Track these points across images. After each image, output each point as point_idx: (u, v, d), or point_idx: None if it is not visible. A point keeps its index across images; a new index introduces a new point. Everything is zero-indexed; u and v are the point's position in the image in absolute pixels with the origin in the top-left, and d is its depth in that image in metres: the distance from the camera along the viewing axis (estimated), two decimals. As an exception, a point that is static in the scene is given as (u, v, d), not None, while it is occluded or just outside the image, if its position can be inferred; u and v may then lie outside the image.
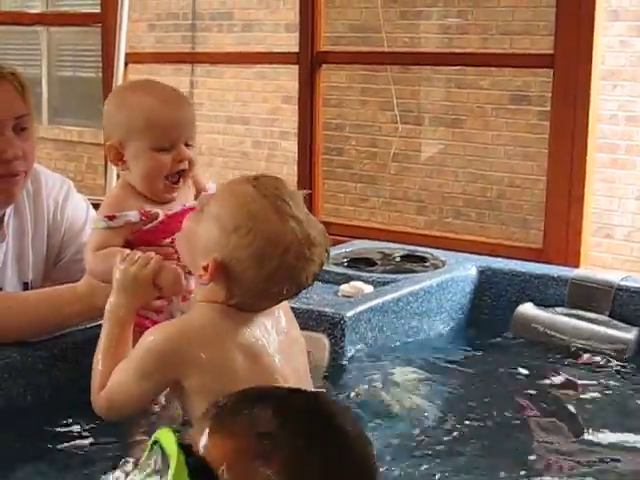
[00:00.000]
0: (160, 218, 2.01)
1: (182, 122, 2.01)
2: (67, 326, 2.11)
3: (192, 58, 7.14)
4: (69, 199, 2.38)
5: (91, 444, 1.91)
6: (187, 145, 2.01)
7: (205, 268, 1.73)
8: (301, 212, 1.75)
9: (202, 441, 1.17)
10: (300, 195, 1.79)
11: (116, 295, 1.86)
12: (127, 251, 1.93)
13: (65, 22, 7.14)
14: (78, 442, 1.91)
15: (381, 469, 1.86)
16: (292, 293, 1.79)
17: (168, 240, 1.99)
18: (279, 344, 1.82)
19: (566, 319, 2.67)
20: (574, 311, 2.69)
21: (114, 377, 1.78)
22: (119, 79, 4.68)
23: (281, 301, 1.83)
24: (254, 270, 1.71)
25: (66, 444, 1.90)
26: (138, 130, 1.97)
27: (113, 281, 1.87)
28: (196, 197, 2.10)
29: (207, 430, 1.17)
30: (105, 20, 4.97)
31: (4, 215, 2.26)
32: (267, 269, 1.71)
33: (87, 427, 1.96)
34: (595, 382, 2.38)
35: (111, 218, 1.99)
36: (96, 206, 2.46)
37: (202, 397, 1.70)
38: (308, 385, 1.89)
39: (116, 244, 1.98)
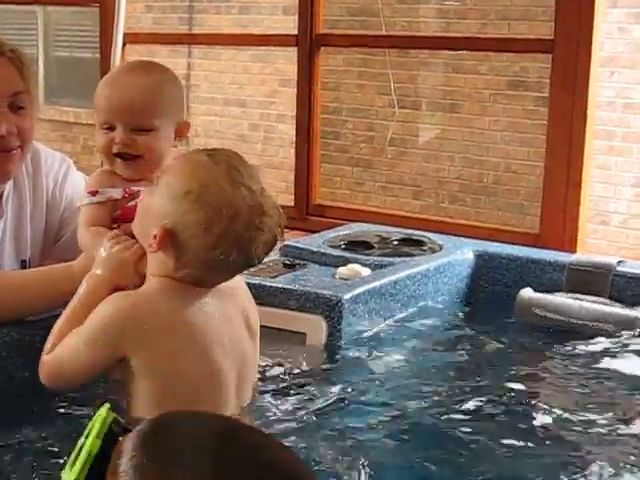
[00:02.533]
0: (141, 197, 2.01)
1: (120, 106, 1.99)
2: (63, 304, 2.10)
3: (190, 39, 7.12)
4: (68, 177, 2.38)
5: (86, 417, 1.91)
6: (140, 130, 2.00)
7: (155, 236, 1.72)
8: (255, 183, 1.73)
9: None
10: (256, 168, 1.78)
11: (96, 269, 1.88)
12: (116, 232, 1.96)
13: (63, 2, 7.11)
14: (75, 420, 1.91)
15: (376, 452, 1.88)
16: (240, 264, 1.75)
17: None
18: (228, 325, 1.82)
19: (571, 301, 2.66)
20: (573, 295, 2.70)
21: (65, 341, 1.78)
22: (117, 60, 4.67)
23: (231, 275, 1.80)
24: (201, 236, 1.69)
25: (63, 421, 1.90)
26: (95, 105, 2.04)
27: (97, 256, 1.90)
28: None
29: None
30: (103, 0, 4.95)
31: (3, 192, 2.26)
32: (214, 235, 1.68)
33: (84, 404, 1.96)
34: (602, 361, 2.38)
35: (93, 194, 2.04)
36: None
37: (147, 380, 1.71)
38: (253, 370, 1.92)
39: (103, 219, 2.02)
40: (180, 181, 1.72)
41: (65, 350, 1.77)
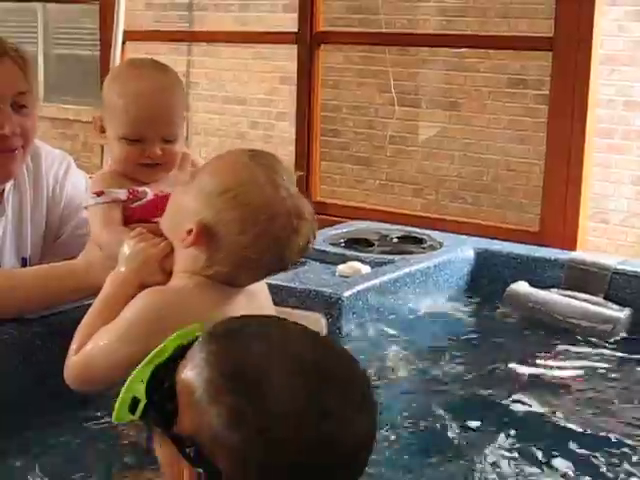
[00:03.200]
0: (149, 197, 2.02)
1: (155, 118, 1.97)
2: (64, 302, 2.10)
3: (189, 37, 7.11)
4: (69, 175, 2.38)
5: (86, 417, 1.91)
6: (169, 141, 1.99)
7: (189, 232, 1.71)
8: (293, 186, 1.73)
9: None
10: (293, 173, 1.77)
11: (120, 266, 1.85)
12: (140, 229, 1.93)
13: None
14: (73, 414, 1.92)
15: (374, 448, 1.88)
16: (273, 267, 1.75)
17: (156, 220, 2.00)
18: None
19: (559, 297, 2.68)
20: (568, 292, 2.71)
21: (95, 339, 1.73)
22: (116, 57, 4.67)
23: (261, 277, 1.79)
24: (237, 233, 1.67)
25: (62, 416, 1.91)
26: (115, 115, 1.98)
27: (119, 254, 1.87)
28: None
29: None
30: (103, -2, 4.96)
31: (4, 190, 2.26)
32: (251, 234, 1.67)
33: (84, 401, 1.96)
34: (585, 360, 2.40)
35: (98, 194, 2.01)
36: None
37: None
38: None
39: (116, 218, 2.00)
40: (219, 179, 1.71)
41: (97, 348, 1.72)
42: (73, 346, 1.76)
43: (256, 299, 1.83)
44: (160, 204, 1.98)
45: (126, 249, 1.87)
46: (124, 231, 1.95)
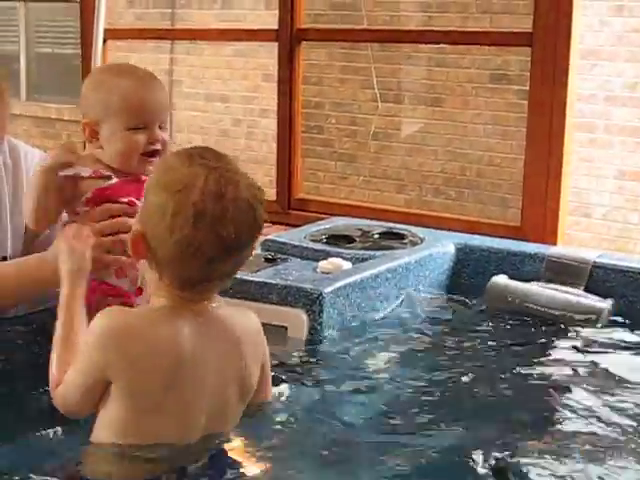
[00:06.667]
0: (113, 181, 2.07)
1: (157, 104, 2.09)
2: (41, 292, 2.10)
3: (171, 35, 7.10)
4: (49, 174, 2.38)
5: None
6: (160, 127, 2.09)
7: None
8: (217, 162, 1.63)
9: None
10: (230, 157, 1.68)
11: (61, 269, 1.85)
12: (65, 221, 2.03)
13: (43, -2, 7.08)
14: (57, 414, 1.91)
15: (359, 440, 1.89)
16: (216, 249, 1.59)
17: (125, 200, 2.07)
18: (216, 375, 1.67)
19: (540, 289, 2.70)
20: (549, 285, 2.72)
21: (66, 373, 1.68)
22: (98, 55, 4.66)
23: (211, 267, 1.61)
24: (159, 222, 1.59)
25: (44, 417, 1.90)
26: (114, 110, 2.05)
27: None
28: None
29: None
30: (84, -4, 4.94)
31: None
32: (169, 215, 1.57)
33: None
34: (570, 351, 2.42)
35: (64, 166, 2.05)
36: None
37: (117, 406, 1.61)
38: (229, 426, 1.74)
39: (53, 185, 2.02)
40: (148, 187, 1.68)
41: (66, 383, 1.67)
42: (50, 378, 1.70)
43: (234, 347, 1.70)
44: (125, 187, 2.06)
45: (62, 248, 1.88)
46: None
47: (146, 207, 1.64)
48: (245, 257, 1.67)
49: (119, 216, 2.05)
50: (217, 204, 1.58)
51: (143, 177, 2.08)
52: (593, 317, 2.59)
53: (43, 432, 1.80)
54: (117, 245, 2.02)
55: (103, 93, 2.07)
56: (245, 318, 1.79)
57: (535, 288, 2.71)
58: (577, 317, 2.60)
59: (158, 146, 2.08)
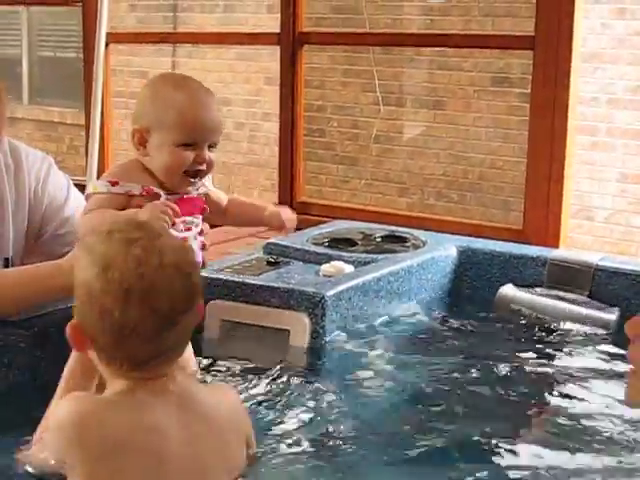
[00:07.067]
0: (162, 200, 2.05)
1: (210, 124, 2.08)
2: (51, 300, 2.11)
3: (173, 38, 7.10)
4: (50, 175, 2.39)
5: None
6: (210, 147, 2.08)
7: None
8: (140, 230, 1.52)
9: None
10: (152, 224, 1.61)
11: None
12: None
13: (46, 2, 7.09)
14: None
15: (362, 442, 1.89)
16: (156, 324, 1.47)
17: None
18: (181, 429, 1.52)
19: (547, 300, 2.69)
20: (554, 292, 2.72)
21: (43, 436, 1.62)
22: (100, 59, 4.67)
23: (166, 346, 1.50)
24: (96, 313, 1.47)
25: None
26: (167, 123, 2.04)
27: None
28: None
29: None
30: (86, 0, 4.95)
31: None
32: (98, 295, 1.47)
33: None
34: (576, 361, 2.41)
35: (114, 184, 2.04)
36: (77, 186, 2.48)
37: None
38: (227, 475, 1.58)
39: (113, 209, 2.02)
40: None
41: (42, 443, 1.61)
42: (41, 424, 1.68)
43: (191, 406, 1.55)
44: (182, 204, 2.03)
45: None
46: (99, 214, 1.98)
47: (76, 296, 1.53)
48: (191, 322, 1.53)
49: None
50: (142, 278, 1.46)
51: (187, 195, 2.10)
52: (601, 330, 2.59)
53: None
54: None
55: (159, 103, 2.06)
56: (218, 394, 1.66)
57: (543, 300, 2.70)
58: (585, 329, 2.59)
59: (204, 167, 2.07)
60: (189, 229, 2.08)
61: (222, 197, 2.29)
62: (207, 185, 2.21)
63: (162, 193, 2.05)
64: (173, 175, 2.06)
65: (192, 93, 2.09)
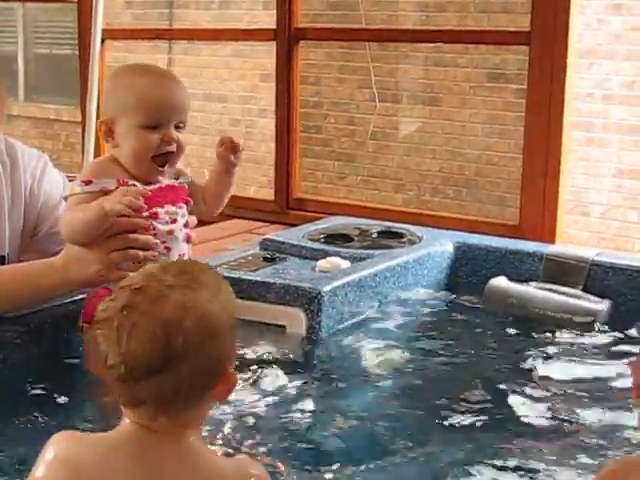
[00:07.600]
0: (139, 187, 2.03)
1: (172, 103, 2.05)
2: (45, 299, 2.11)
3: (169, 35, 7.09)
4: (46, 173, 2.39)
5: (66, 418, 1.92)
6: (177, 127, 2.06)
7: None
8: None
9: None
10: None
11: None
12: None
13: (41, -2, 7.07)
14: (54, 415, 1.92)
15: (358, 438, 1.89)
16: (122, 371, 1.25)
17: (146, 213, 2.03)
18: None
19: (538, 292, 2.70)
20: (547, 285, 2.72)
21: None
22: (96, 56, 4.65)
23: (137, 389, 1.27)
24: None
25: (43, 417, 1.91)
26: (128, 108, 2.03)
27: None
28: (175, 177, 2.15)
29: None
30: (81, -4, 4.94)
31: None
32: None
33: (63, 401, 1.97)
34: (565, 352, 2.42)
35: (87, 183, 2.04)
36: (74, 182, 2.47)
37: None
38: None
39: None
40: None
41: None
42: None
43: (190, 457, 1.32)
44: (148, 199, 2.01)
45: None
46: (79, 210, 1.99)
47: None
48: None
49: (135, 231, 2.03)
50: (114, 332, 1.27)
51: (165, 183, 2.08)
52: (590, 319, 2.59)
53: (41, 432, 1.80)
54: (128, 259, 2.02)
55: (119, 90, 2.06)
56: (229, 465, 1.39)
57: (533, 290, 2.71)
58: (575, 319, 2.60)
59: (172, 147, 2.04)
60: (174, 221, 2.08)
61: (202, 184, 2.26)
62: (188, 174, 2.19)
63: (138, 184, 2.04)
64: (142, 161, 2.04)
65: (153, 77, 2.09)
